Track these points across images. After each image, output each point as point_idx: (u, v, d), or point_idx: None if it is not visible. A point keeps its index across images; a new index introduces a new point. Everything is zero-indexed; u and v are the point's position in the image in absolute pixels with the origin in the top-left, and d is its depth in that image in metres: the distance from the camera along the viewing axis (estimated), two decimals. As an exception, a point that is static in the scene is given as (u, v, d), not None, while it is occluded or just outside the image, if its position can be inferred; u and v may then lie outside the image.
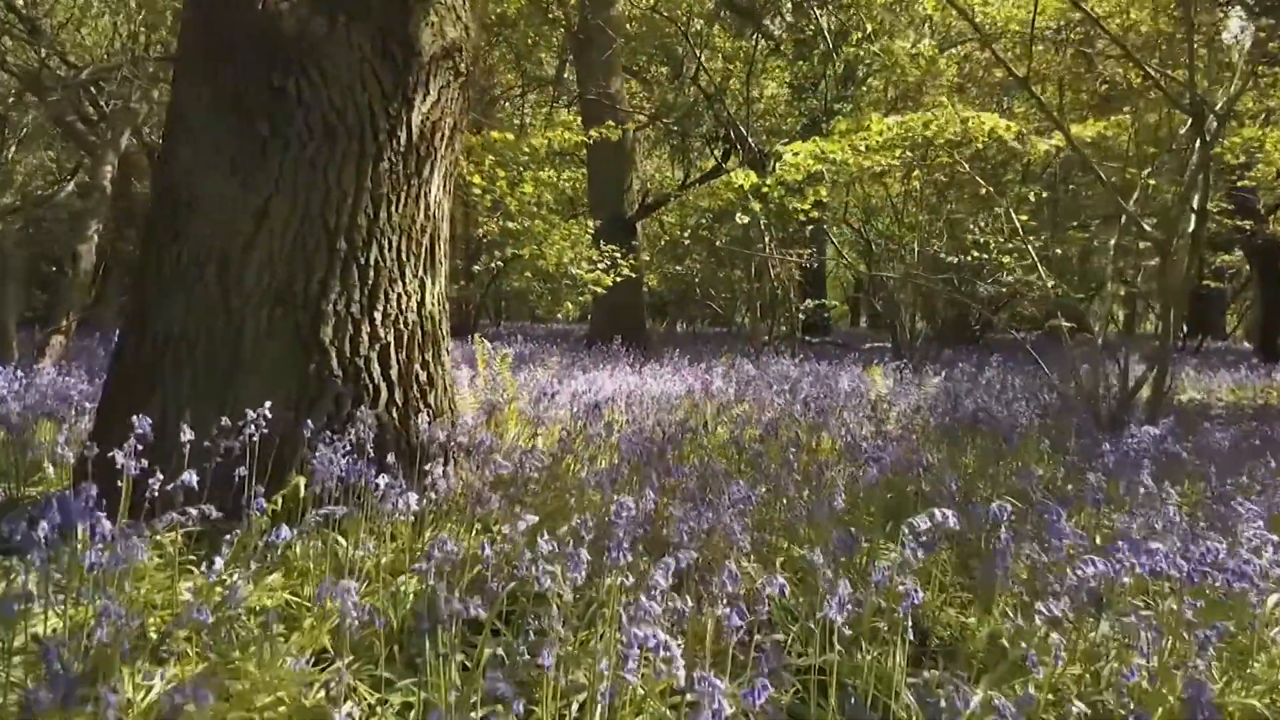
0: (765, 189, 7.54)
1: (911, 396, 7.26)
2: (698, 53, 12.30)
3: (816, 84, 15.14)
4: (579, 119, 15.21)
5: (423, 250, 3.75)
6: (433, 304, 3.81)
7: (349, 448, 3.07)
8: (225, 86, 3.51)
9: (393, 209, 3.64)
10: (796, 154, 6.41)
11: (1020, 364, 12.84)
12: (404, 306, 3.68)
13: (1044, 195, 12.91)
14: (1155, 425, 4.55)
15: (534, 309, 37.07)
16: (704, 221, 15.18)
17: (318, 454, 2.94)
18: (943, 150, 6.91)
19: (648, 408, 6.06)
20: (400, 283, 3.67)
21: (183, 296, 3.46)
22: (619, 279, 8.10)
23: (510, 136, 7.70)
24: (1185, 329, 17.98)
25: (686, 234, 15.01)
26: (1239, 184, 13.11)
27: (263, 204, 3.46)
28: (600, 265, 8.13)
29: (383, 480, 2.80)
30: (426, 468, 3.25)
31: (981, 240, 11.71)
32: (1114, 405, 6.03)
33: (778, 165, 6.88)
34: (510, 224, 7.68)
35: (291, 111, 3.48)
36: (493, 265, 15.67)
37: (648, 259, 17.72)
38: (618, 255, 8.18)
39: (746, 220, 10.17)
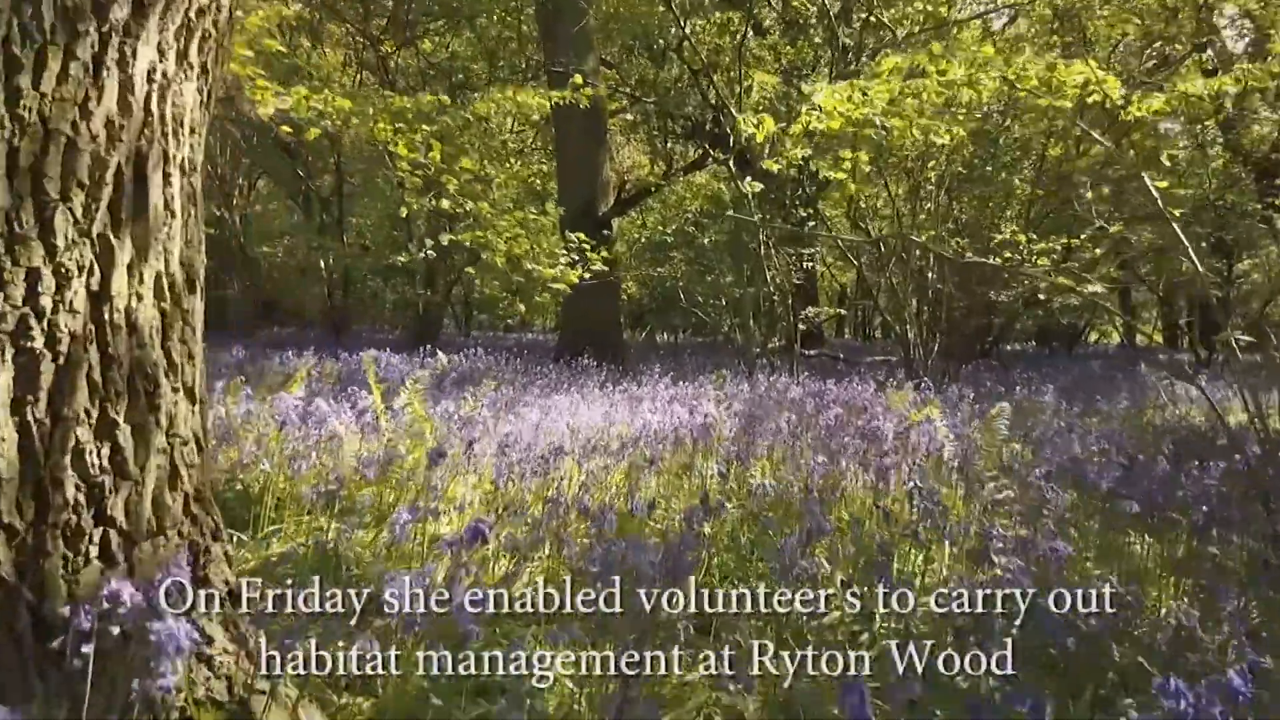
0: (785, 146, 5.78)
1: (967, 429, 5.56)
2: (683, 21, 10.62)
3: (813, 69, 13.49)
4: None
5: (101, 200, 1.85)
6: (136, 306, 1.91)
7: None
8: None
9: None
10: (843, 92, 4.65)
11: (1055, 383, 11.18)
12: (47, 308, 1.82)
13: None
14: None
15: (506, 317, 35.28)
16: (689, 215, 13.46)
17: None
18: (1029, 103, 5.19)
19: (618, 455, 4.30)
20: (50, 259, 1.80)
21: None
22: (588, 277, 6.35)
23: (445, 99, 5.93)
24: None
25: (669, 230, 13.29)
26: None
27: None
28: (563, 259, 6.38)
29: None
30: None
31: (1013, 238, 10.05)
32: None
33: (803, 111, 5.17)
34: (445, 204, 5.93)
35: None
36: (455, 270, 13.88)
37: (626, 262, 15.99)
38: (587, 248, 6.42)
39: (748, 193, 8.43)
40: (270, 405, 4.29)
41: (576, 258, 6.42)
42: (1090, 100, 4.74)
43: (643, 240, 15.18)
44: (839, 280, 30.31)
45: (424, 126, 6.29)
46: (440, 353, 13.11)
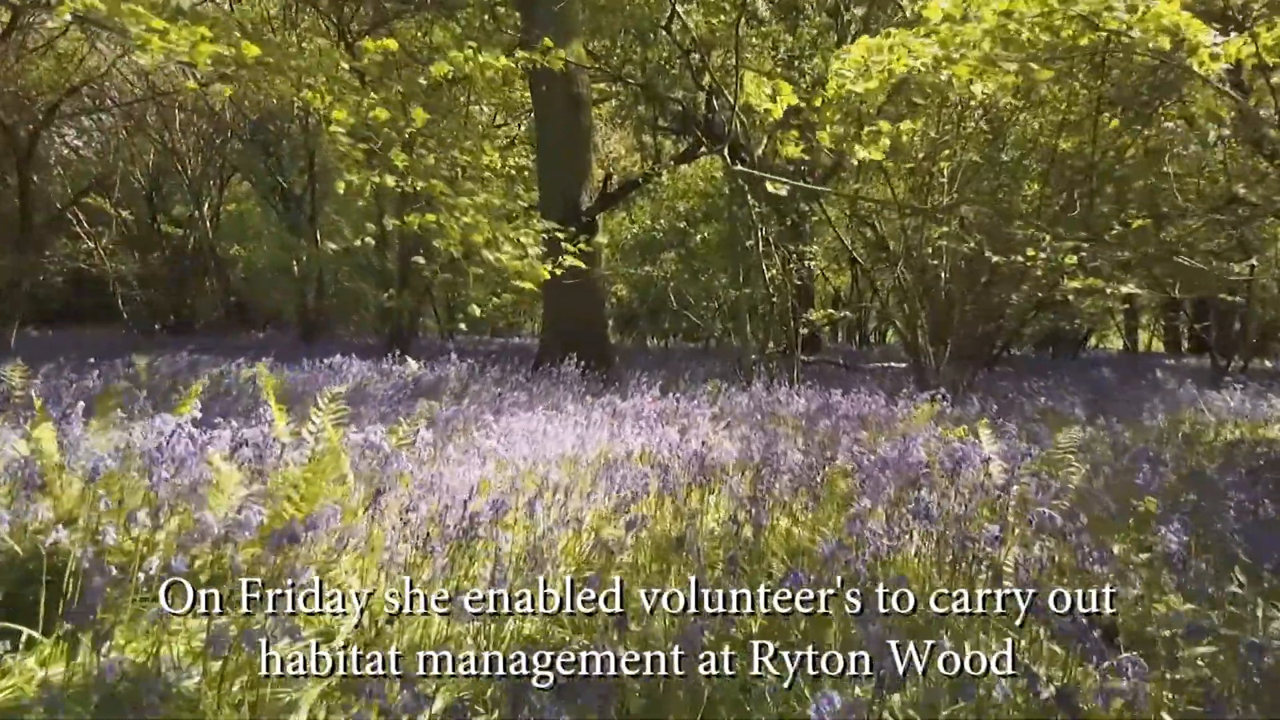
0: (813, 109, 4.76)
1: (1019, 461, 4.61)
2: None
3: (812, 55, 12.57)
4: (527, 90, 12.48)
5: None
6: None
7: None
8: None
9: None
10: (881, 43, 3.69)
11: (1075, 392, 10.27)
12: None
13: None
14: None
15: (494, 321, 34.26)
16: (680, 212, 12.52)
17: None
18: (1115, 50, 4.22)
19: (585, 502, 3.33)
20: None
21: None
22: (560, 273, 5.37)
23: (392, 43, 4.92)
24: None
25: (660, 226, 12.33)
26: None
27: None
28: (532, 248, 5.41)
29: None
30: None
31: (1035, 235, 9.14)
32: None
33: (833, 71, 4.22)
34: (390, 181, 4.95)
35: None
36: (432, 267, 12.89)
37: (613, 263, 15.05)
38: (561, 238, 5.45)
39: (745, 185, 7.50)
40: (142, 433, 3.31)
41: (548, 249, 5.45)
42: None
43: (632, 239, 14.24)
44: (833, 283, 29.43)
45: (371, 94, 5.33)
46: (410, 359, 12.15)
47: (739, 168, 7.68)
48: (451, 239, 4.91)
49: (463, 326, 19.90)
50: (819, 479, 3.75)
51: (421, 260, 9.45)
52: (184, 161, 21.55)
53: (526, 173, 14.05)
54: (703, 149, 11.24)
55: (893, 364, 14.16)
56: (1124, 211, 12.54)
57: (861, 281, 30.91)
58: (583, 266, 5.40)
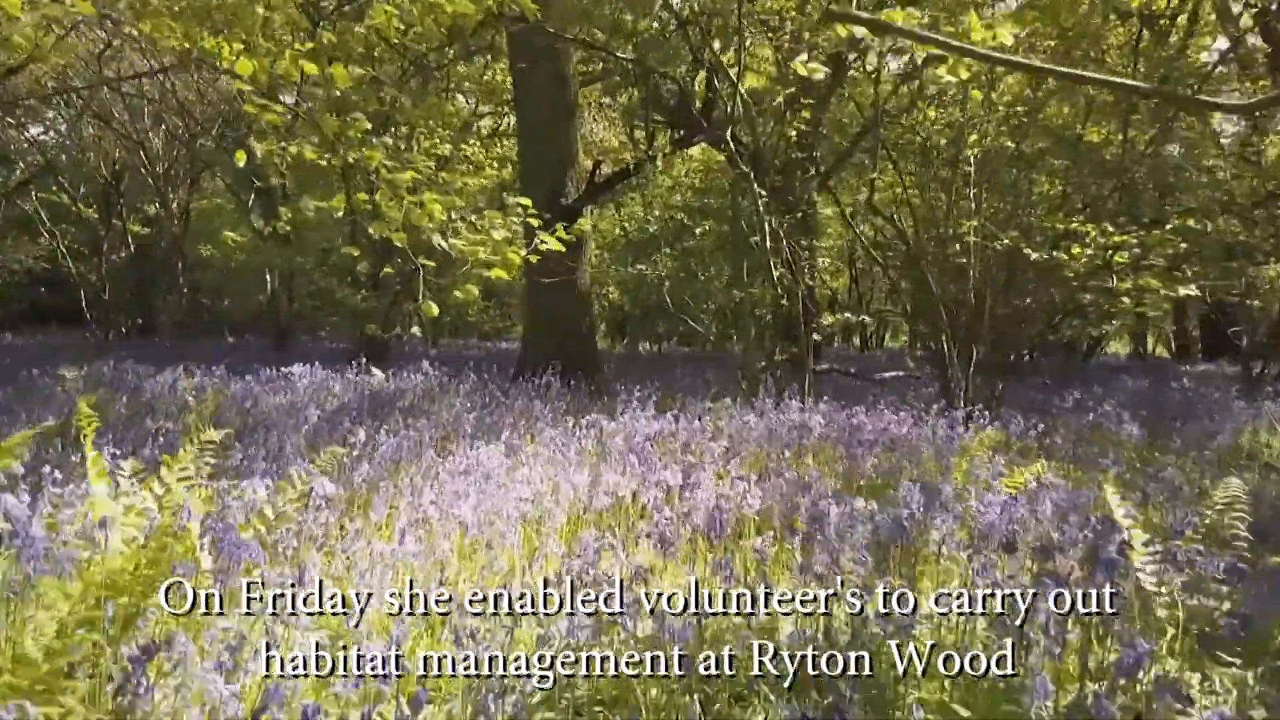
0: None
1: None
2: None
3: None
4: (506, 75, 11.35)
5: None
6: None
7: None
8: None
9: None
10: None
11: (1115, 404, 9.15)
12: None
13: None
14: None
15: (481, 324, 33.09)
16: (677, 203, 11.42)
17: None
18: None
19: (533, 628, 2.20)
20: None
21: None
22: (538, 259, 4.26)
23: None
24: None
25: (653, 217, 11.21)
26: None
27: None
28: (497, 231, 4.28)
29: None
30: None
31: (1078, 230, 8.05)
32: None
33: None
34: (309, 153, 3.84)
35: None
36: (409, 267, 11.74)
37: (601, 262, 13.94)
38: (536, 224, 4.32)
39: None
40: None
41: (519, 234, 4.33)
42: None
43: (624, 237, 13.14)
44: (830, 286, 28.33)
45: (296, 45, 4.21)
46: (376, 369, 10.99)
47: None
48: (391, 221, 3.80)
49: (459, 325, 18.69)
50: (895, 553, 2.64)
51: (402, 258, 8.31)
52: (149, 155, 20.31)
53: (510, 167, 12.92)
54: (700, 136, 10.14)
55: (903, 372, 13.07)
56: (1165, 207, 11.53)
57: (861, 283, 29.97)
58: (561, 250, 4.28)
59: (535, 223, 4.59)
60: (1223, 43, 12.94)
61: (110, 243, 21.36)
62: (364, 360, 10.75)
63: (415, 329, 28.96)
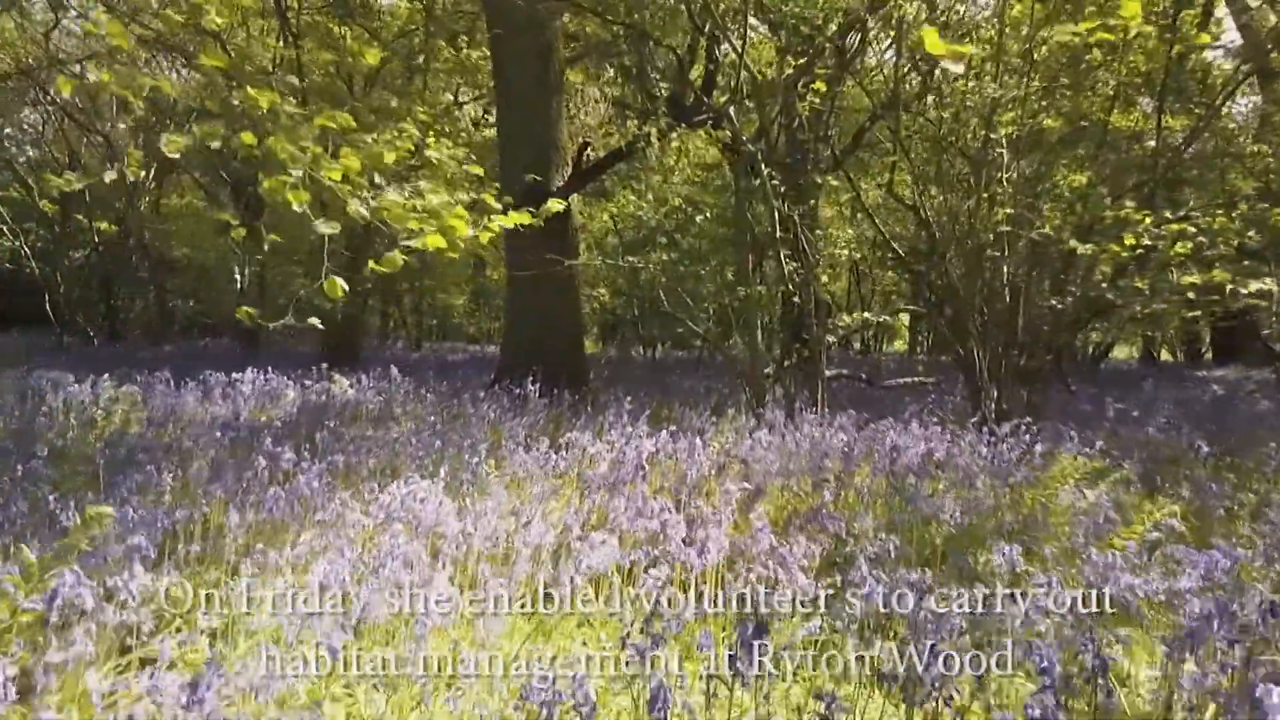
0: None
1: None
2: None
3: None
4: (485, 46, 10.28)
5: None
6: None
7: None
8: None
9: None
10: None
11: (1158, 414, 8.13)
12: None
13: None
14: None
15: (467, 325, 32.01)
16: (675, 184, 10.42)
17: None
18: None
19: None
20: None
21: None
22: (485, 240, 3.20)
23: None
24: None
25: (646, 205, 10.16)
26: None
27: None
28: (433, 194, 3.24)
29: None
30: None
31: (1129, 217, 7.04)
32: None
33: None
34: (235, 104, 2.81)
35: None
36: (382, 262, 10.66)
37: (591, 258, 12.91)
38: (490, 197, 3.27)
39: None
40: None
41: (468, 203, 3.33)
42: None
43: (615, 230, 12.11)
44: (828, 287, 27.33)
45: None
46: (340, 376, 9.90)
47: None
48: (286, 179, 2.77)
49: (429, 334, 17.68)
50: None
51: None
52: (115, 148, 19.20)
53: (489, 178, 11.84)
54: (706, 109, 9.08)
55: (914, 379, 12.06)
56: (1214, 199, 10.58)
57: (863, 285, 28.97)
58: (528, 222, 3.27)
59: (489, 198, 3.55)
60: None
61: (71, 241, 20.21)
62: (325, 366, 9.67)
63: (411, 328, 27.80)
